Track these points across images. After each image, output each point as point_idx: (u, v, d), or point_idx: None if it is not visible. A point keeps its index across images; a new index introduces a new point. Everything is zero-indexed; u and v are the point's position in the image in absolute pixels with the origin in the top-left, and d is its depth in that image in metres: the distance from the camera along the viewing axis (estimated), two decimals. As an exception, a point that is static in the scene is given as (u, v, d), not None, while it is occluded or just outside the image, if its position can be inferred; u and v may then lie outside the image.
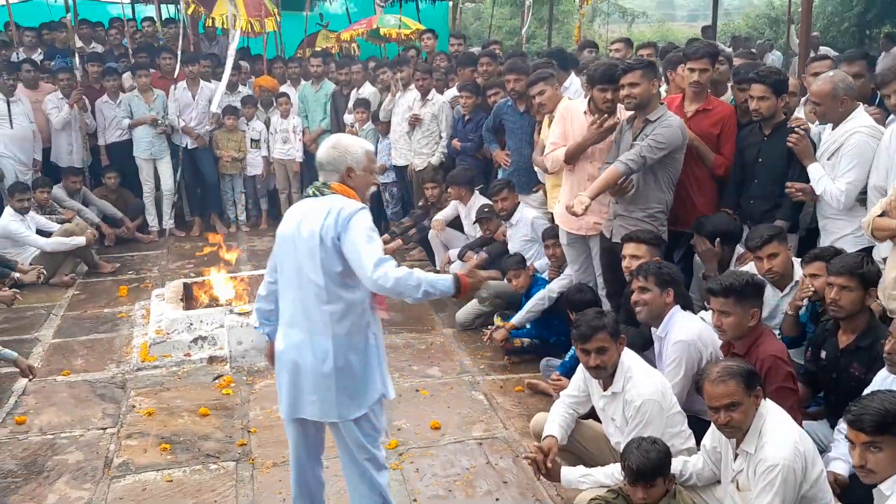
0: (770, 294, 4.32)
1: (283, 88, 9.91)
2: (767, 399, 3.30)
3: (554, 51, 8.62)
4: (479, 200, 7.24)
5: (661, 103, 5.03)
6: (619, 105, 5.18)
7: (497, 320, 6.11)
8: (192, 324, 6.18)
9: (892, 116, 4.82)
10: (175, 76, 9.54)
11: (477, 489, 4.27)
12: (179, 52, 9.70)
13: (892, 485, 2.80)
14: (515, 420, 4.99)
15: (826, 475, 3.27)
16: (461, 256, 7.10)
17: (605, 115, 5.14)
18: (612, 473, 3.61)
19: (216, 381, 5.65)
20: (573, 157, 5.28)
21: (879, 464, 2.83)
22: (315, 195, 3.37)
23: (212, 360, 5.93)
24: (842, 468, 3.46)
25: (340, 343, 3.29)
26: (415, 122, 8.32)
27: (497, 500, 4.18)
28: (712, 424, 3.42)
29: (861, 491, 3.12)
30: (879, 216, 4.05)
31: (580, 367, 4.02)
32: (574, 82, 6.99)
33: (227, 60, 9.48)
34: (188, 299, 6.78)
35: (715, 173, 5.23)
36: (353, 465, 3.45)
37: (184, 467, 4.54)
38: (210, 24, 10.73)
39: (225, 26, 10.26)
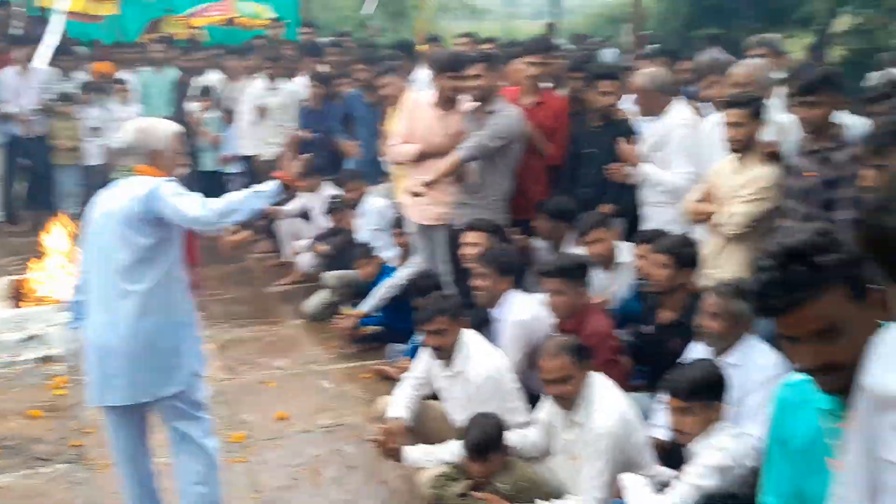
0: (597, 275, 4.59)
1: (122, 75, 9.47)
2: (596, 372, 3.51)
3: (402, 43, 8.74)
4: (328, 191, 7.23)
5: (500, 95, 5.21)
6: (462, 97, 5.34)
7: (346, 309, 6.12)
8: (21, 322, 5.84)
9: (707, 108, 5.19)
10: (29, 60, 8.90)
11: (323, 476, 4.28)
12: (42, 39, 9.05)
13: (699, 444, 3.06)
14: (363, 406, 5.02)
15: (649, 441, 3.52)
16: (311, 247, 7.06)
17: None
18: (453, 450, 3.72)
19: (48, 381, 5.37)
20: (425, 158, 5.38)
21: (691, 426, 3.08)
22: (120, 179, 3.36)
23: (44, 359, 5.62)
24: (663, 434, 3.72)
25: (149, 321, 3.26)
26: (261, 111, 8.19)
27: (343, 485, 4.21)
28: (546, 398, 3.61)
29: (679, 455, 3.37)
30: (697, 201, 4.39)
31: (424, 349, 4.13)
32: (421, 74, 7.10)
33: (53, 19, 8.79)
34: (18, 297, 6.39)
35: (550, 163, 5.48)
36: (175, 434, 3.45)
37: (13, 472, 4.29)
38: (42, 6, 10.09)
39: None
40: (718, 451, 2.95)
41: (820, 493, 1.68)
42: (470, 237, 4.85)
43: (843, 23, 12.09)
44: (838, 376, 1.59)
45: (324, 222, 7.26)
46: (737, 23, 10.95)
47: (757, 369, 3.39)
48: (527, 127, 5.27)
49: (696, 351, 3.67)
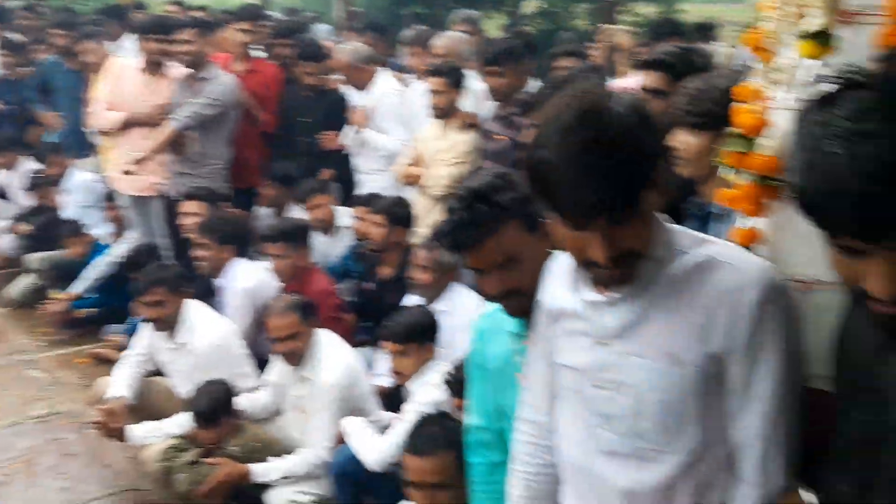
0: (318, 239, 4.75)
1: None
2: (321, 329, 3.65)
3: (108, 8, 8.27)
4: (27, 166, 6.66)
5: (212, 62, 5.16)
6: (171, 63, 5.20)
7: (54, 293, 5.71)
8: None
9: (413, 77, 5.52)
10: None
11: (39, 467, 4.04)
12: None
13: (416, 384, 3.33)
14: (81, 392, 4.75)
15: (373, 389, 3.73)
16: (11, 229, 6.48)
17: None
18: (180, 423, 3.69)
19: None
20: (132, 125, 5.17)
21: (407, 366, 3.34)
22: None
23: None
24: (386, 381, 3.95)
25: None
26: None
27: (62, 473, 3.99)
28: (275, 359, 3.69)
29: (401, 400, 3.61)
30: (407, 165, 4.68)
31: (144, 325, 4.03)
32: (128, 42, 6.76)
33: None
34: None
35: (265, 131, 5.52)
36: None
37: None
38: None
39: None
40: (432, 387, 3.21)
41: (514, 405, 1.89)
42: (188, 207, 4.78)
43: (530, 5, 13.25)
44: (520, 300, 1.82)
45: (24, 200, 6.69)
46: (439, 2, 11.63)
47: (463, 313, 3.69)
48: (241, 94, 5.26)
49: (412, 302, 3.95)
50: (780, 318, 1.42)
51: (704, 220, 2.46)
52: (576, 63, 4.49)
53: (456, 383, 2.81)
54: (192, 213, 4.74)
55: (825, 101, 1.09)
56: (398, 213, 4.32)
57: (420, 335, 3.34)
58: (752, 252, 1.57)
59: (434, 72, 4.49)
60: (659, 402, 1.44)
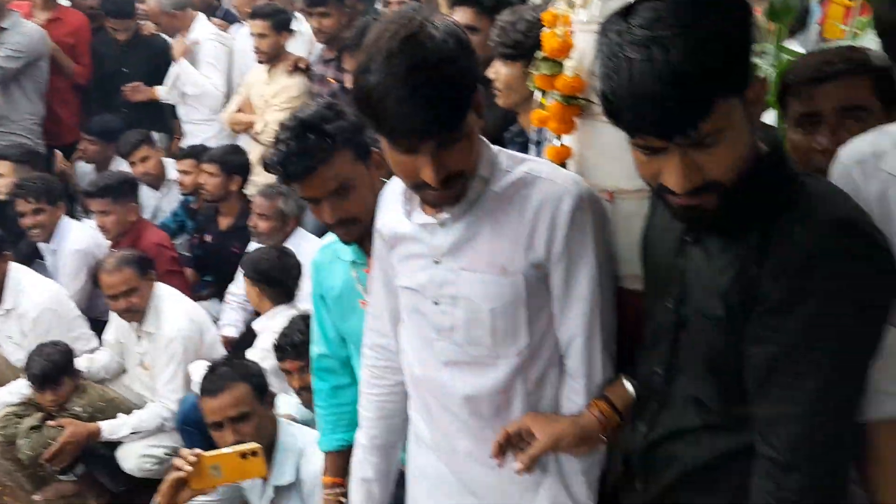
0: (149, 195, 4.61)
1: None
2: (160, 283, 3.58)
3: None
4: None
5: (12, 11, 4.84)
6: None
7: None
8: None
9: (237, 25, 5.37)
10: None
11: None
12: None
13: (260, 325, 3.36)
14: None
15: (219, 339, 3.72)
16: None
17: None
18: (17, 390, 3.57)
19: None
20: None
21: (259, 304, 3.37)
22: None
23: None
24: (231, 332, 3.93)
25: None
26: None
27: None
28: (112, 317, 3.60)
29: (245, 345, 3.62)
30: (236, 112, 4.60)
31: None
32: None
33: None
34: None
35: (77, 83, 5.24)
36: None
37: None
38: None
39: None
40: (274, 333, 3.22)
41: (356, 331, 1.97)
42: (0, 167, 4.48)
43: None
44: (354, 227, 1.89)
45: None
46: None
47: (308, 258, 3.72)
48: (48, 44, 4.95)
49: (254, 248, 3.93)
50: (592, 225, 1.54)
51: (524, 146, 2.61)
52: (408, -1, 4.52)
53: (284, 347, 2.86)
54: (4, 174, 4.45)
55: (624, 12, 1.21)
56: (233, 162, 4.25)
57: (259, 276, 3.36)
58: (565, 168, 1.68)
59: (255, 14, 4.40)
60: (490, 311, 1.53)
